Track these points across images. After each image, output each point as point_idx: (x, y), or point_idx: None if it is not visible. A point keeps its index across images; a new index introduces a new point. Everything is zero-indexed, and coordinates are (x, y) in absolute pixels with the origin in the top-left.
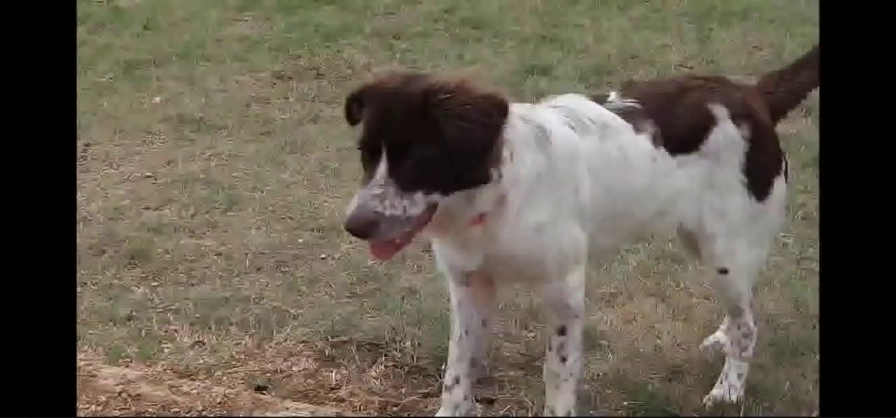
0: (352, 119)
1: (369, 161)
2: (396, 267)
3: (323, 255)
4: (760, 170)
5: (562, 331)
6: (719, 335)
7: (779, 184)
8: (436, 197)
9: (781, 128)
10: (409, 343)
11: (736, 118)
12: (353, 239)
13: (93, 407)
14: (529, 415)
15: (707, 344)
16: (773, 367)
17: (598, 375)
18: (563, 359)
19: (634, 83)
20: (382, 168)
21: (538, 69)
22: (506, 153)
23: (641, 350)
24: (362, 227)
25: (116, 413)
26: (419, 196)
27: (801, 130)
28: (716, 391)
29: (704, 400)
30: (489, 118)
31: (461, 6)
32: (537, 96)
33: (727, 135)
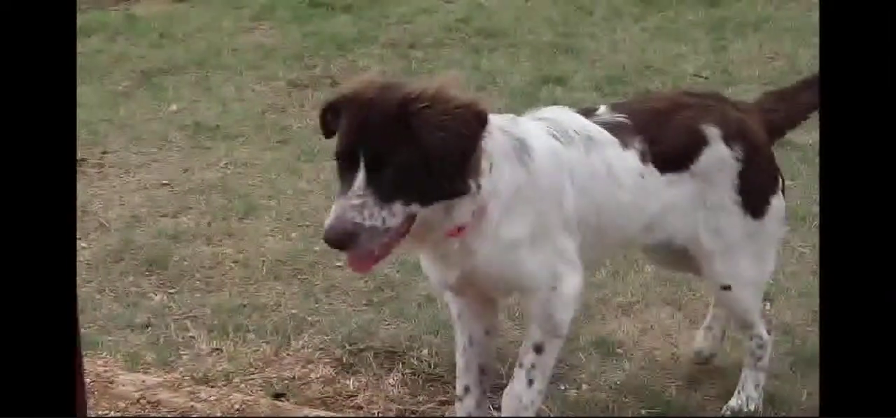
0: (327, 130)
1: (346, 171)
2: (413, 275)
3: (339, 263)
4: (755, 190)
5: (538, 349)
6: (700, 341)
7: (776, 201)
8: (414, 207)
9: (797, 137)
10: (426, 351)
11: (729, 139)
12: None
13: (112, 413)
14: None
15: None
16: (790, 377)
17: (615, 384)
18: (530, 382)
19: (647, 93)
20: (360, 178)
21: (553, 79)
22: (485, 164)
23: (658, 358)
24: (341, 238)
25: None
26: (398, 206)
27: (816, 141)
28: (733, 401)
29: (723, 410)
30: (467, 127)
31: (476, 16)
32: (553, 105)
33: (719, 156)
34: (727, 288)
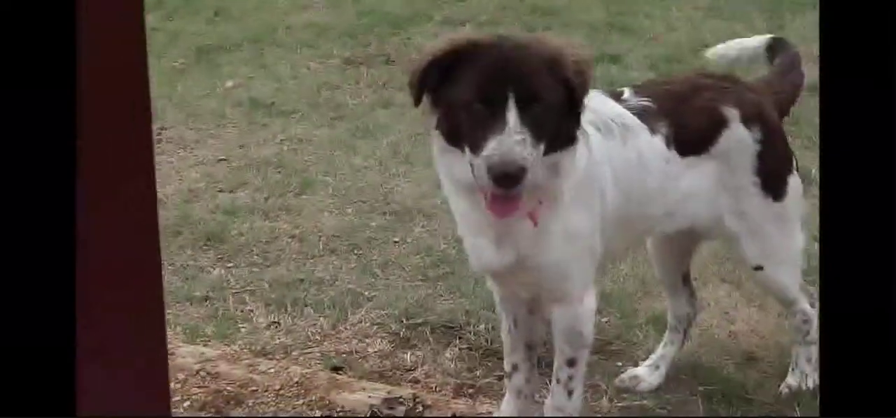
0: (425, 87)
1: (487, 112)
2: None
3: (396, 239)
4: (773, 172)
5: (571, 363)
6: (639, 369)
7: (793, 181)
8: (540, 152)
9: None
10: (483, 326)
11: (747, 120)
12: (425, 222)
13: (172, 384)
14: (604, 400)
15: (624, 376)
16: None
17: (674, 360)
18: (570, 393)
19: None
20: (513, 117)
21: (608, 57)
22: None
23: (716, 335)
24: (517, 172)
25: (196, 390)
26: (542, 148)
27: None
28: (790, 379)
29: (780, 388)
30: (590, 67)
31: None
32: (609, 84)
33: (738, 138)
34: (760, 268)
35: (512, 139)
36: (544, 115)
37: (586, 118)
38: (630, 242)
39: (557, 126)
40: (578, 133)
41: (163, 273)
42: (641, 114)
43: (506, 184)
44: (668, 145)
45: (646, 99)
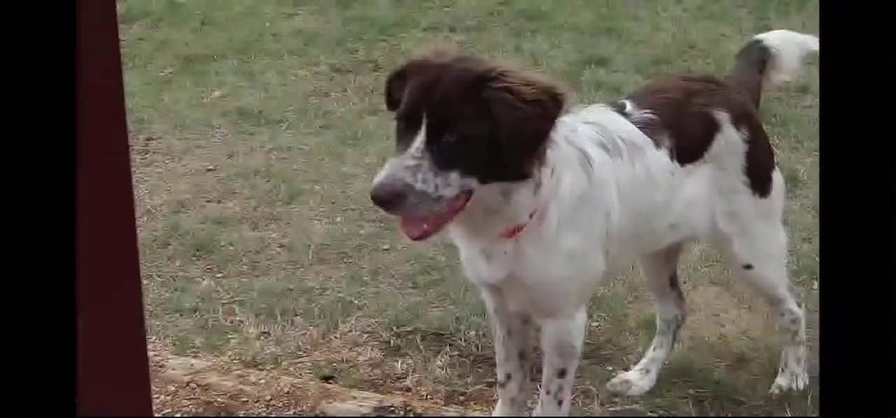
0: (391, 99)
1: (406, 133)
2: (458, 257)
3: (385, 246)
4: (759, 169)
5: (561, 374)
6: (629, 374)
7: (776, 177)
8: (472, 182)
9: None
10: (473, 332)
11: (736, 121)
12: None
13: (162, 397)
14: (595, 405)
15: (614, 381)
16: None
17: (664, 364)
18: (560, 403)
19: (655, 81)
20: (419, 140)
21: (595, 60)
22: (549, 158)
23: (706, 338)
24: (389, 197)
25: (186, 402)
26: (455, 176)
27: None
28: (780, 380)
29: (771, 389)
30: (545, 109)
31: None
32: (596, 87)
33: (729, 140)
34: (749, 267)
35: (401, 163)
36: (460, 145)
37: (593, 137)
38: (636, 256)
39: (491, 156)
40: (540, 170)
41: (151, 285)
42: (646, 127)
43: (380, 205)
44: (671, 158)
45: (648, 110)
